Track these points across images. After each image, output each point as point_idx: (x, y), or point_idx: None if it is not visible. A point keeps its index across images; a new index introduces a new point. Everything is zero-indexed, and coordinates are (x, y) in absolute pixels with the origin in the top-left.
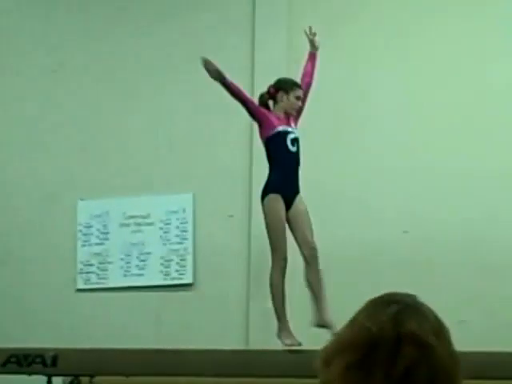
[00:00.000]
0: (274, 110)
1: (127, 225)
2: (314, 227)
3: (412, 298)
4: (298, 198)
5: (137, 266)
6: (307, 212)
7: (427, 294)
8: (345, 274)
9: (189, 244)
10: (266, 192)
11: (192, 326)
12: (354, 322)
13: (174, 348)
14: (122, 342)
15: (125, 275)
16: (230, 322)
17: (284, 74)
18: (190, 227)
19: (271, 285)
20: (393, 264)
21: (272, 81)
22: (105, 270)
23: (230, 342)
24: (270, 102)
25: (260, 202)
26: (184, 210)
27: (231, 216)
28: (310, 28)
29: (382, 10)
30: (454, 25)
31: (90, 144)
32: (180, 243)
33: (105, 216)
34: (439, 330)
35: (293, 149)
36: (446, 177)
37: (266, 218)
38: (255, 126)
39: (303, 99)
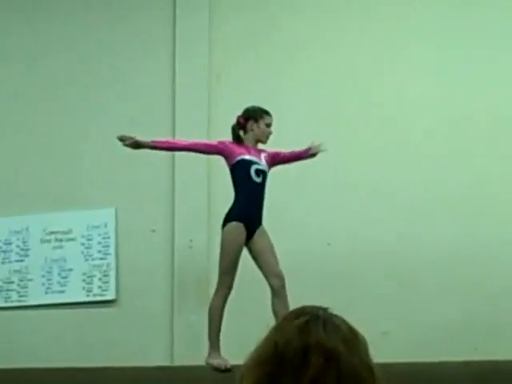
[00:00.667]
0: (245, 141)
1: (48, 241)
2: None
3: (324, 310)
4: (260, 229)
5: (58, 282)
6: (271, 243)
7: (350, 306)
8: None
9: (111, 259)
10: (228, 219)
11: (116, 342)
12: (266, 337)
13: (97, 366)
14: (44, 361)
15: (46, 292)
16: (154, 339)
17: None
18: (112, 242)
19: (210, 308)
20: (316, 276)
21: (193, 95)
22: (25, 287)
23: (154, 358)
24: (241, 133)
25: (220, 227)
26: (106, 225)
27: (154, 231)
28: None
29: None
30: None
31: (6, 160)
32: (102, 259)
33: (24, 232)
34: (350, 340)
35: (257, 179)
36: (368, 190)
37: (223, 243)
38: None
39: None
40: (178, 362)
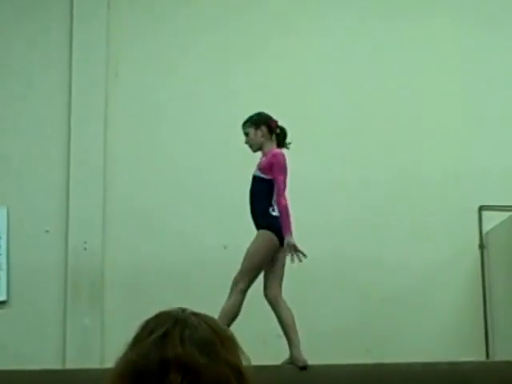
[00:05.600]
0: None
1: None
2: (123, 242)
3: (183, 311)
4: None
5: None
6: (250, 248)
7: (247, 309)
8: (166, 290)
9: (2, 260)
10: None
11: (6, 345)
12: (124, 352)
13: None
14: None
15: None
16: (46, 341)
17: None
18: (3, 242)
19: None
20: (212, 279)
21: (90, 92)
22: None
23: (46, 361)
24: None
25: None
26: None
27: (47, 231)
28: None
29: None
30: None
31: None
32: None
33: None
34: (211, 344)
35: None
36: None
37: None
38: (72, 138)
39: None
40: (69, 366)
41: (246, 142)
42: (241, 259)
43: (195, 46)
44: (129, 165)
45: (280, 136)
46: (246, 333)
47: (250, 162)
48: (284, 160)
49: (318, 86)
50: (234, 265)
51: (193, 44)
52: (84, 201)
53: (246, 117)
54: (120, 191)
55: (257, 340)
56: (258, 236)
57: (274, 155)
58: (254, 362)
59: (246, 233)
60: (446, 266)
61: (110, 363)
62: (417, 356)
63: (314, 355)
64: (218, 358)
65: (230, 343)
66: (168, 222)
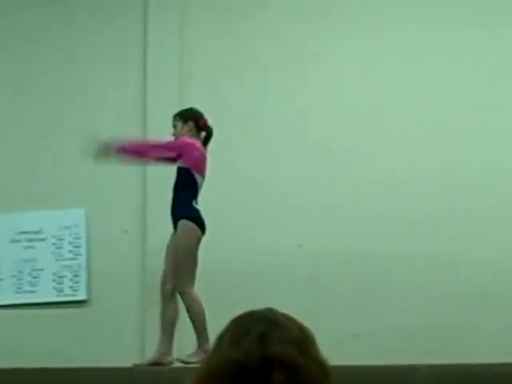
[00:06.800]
0: None
1: (18, 241)
2: (211, 240)
3: (273, 312)
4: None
5: (29, 282)
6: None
7: (322, 309)
8: (242, 289)
9: (82, 260)
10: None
11: (86, 343)
12: (218, 347)
13: (68, 366)
14: (15, 361)
15: (17, 292)
16: (125, 339)
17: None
18: (83, 243)
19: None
20: (287, 278)
21: (164, 93)
22: None
23: (125, 358)
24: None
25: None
26: (77, 226)
27: (125, 231)
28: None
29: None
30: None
31: None
32: (73, 259)
33: None
34: (305, 344)
35: None
36: (338, 189)
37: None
38: (148, 138)
39: None
40: None
41: (173, 134)
42: (316, 259)
43: (270, 46)
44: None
45: (206, 135)
46: (319, 333)
47: (324, 161)
48: (191, 145)
49: (388, 88)
50: (309, 264)
51: (268, 43)
52: (161, 200)
53: (323, 117)
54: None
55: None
56: (179, 227)
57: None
58: (331, 362)
59: (320, 232)
60: None
61: None
62: (485, 357)
63: (393, 355)
64: (311, 356)
65: (315, 342)
66: (243, 222)
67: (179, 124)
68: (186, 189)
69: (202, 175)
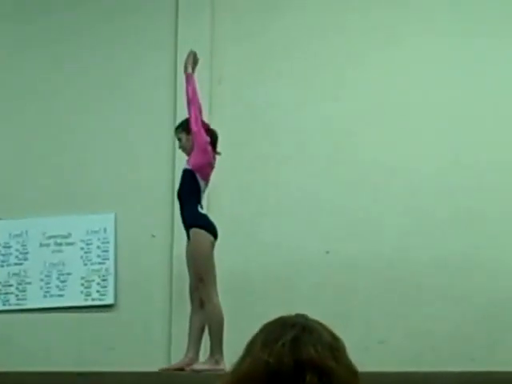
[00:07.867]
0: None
1: (47, 245)
2: (226, 249)
3: (305, 318)
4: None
5: (57, 286)
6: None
7: (348, 315)
8: (269, 295)
9: (110, 264)
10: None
11: (114, 347)
12: (250, 351)
13: (95, 370)
14: (42, 365)
15: (44, 296)
16: (152, 344)
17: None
18: (111, 247)
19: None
20: (314, 284)
21: None
22: (24, 290)
23: (152, 363)
24: None
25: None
26: (105, 230)
27: (153, 236)
28: (195, 54)
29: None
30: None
31: (7, 163)
32: (101, 263)
33: (24, 235)
34: (336, 349)
35: None
36: (368, 200)
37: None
38: (177, 144)
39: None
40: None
41: (180, 147)
42: (344, 264)
43: (301, 49)
44: (232, 169)
45: (212, 139)
46: (346, 339)
47: (352, 167)
48: (204, 148)
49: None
50: (337, 270)
51: (298, 47)
52: None
53: (358, 123)
54: (224, 198)
55: (358, 346)
56: (192, 236)
57: None
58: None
59: (348, 238)
60: None
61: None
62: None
63: (419, 362)
64: (342, 361)
65: (345, 347)
66: (271, 227)
67: (183, 136)
68: (189, 194)
69: (206, 181)
